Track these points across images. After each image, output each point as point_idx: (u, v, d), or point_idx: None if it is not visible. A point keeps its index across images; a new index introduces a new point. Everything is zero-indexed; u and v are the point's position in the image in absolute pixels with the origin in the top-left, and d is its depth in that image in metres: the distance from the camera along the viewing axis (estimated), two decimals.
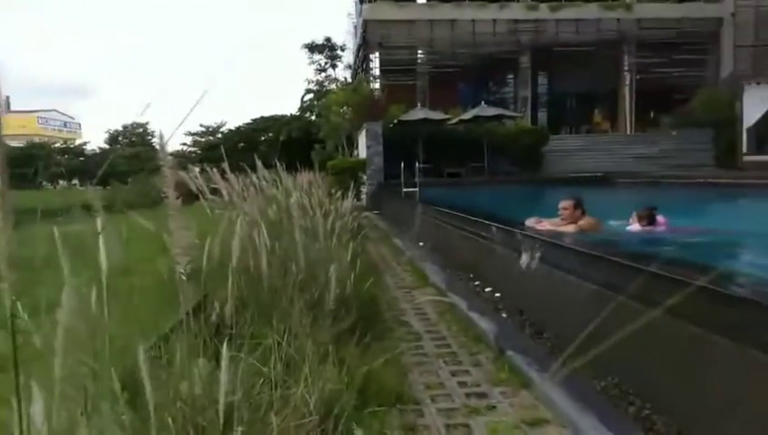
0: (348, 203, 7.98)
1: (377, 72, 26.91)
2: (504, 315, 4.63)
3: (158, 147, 1.61)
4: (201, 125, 52.55)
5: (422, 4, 26.65)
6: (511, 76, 29.21)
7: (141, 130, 53.29)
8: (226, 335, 2.21)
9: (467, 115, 19.91)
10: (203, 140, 52.08)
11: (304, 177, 11.05)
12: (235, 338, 2.36)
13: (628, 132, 26.33)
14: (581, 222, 4.35)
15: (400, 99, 22.31)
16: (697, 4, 26.45)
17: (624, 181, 16.23)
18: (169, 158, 1.54)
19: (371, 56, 27.31)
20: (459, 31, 25.18)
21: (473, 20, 25.04)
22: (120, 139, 54.00)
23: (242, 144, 47.60)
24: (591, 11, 25.46)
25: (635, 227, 4.09)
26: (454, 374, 3.57)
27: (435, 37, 25.62)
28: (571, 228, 4.42)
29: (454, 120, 20.24)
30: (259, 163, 5.36)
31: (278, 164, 6.86)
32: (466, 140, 20.44)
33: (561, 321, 3.95)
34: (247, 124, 49.92)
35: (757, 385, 2.07)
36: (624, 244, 3.79)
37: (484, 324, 4.31)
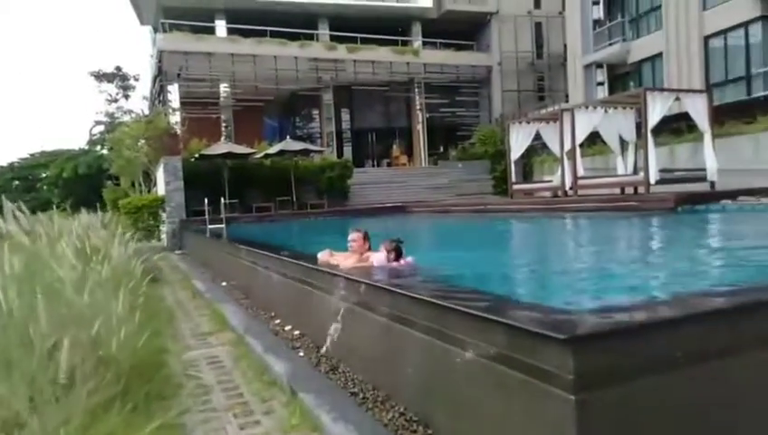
0: (132, 245, 7.20)
1: (176, 103, 25.48)
2: (302, 354, 4.51)
3: None
4: None
5: (222, 38, 26.12)
6: (316, 112, 30.04)
7: None
8: None
9: (273, 149, 19.82)
10: None
11: (84, 218, 9.83)
12: None
13: (423, 165, 28.78)
14: (365, 255, 4.46)
15: (203, 133, 21.36)
16: (471, 53, 30.36)
17: (419, 210, 17.57)
18: None
19: (169, 88, 25.82)
20: (261, 66, 25.17)
21: (275, 56, 25.24)
22: None
23: (17, 182, 41.15)
24: (385, 54, 27.52)
25: (383, 260, 4.27)
26: (243, 428, 3.32)
27: (237, 71, 25.21)
28: (351, 262, 4.49)
29: (260, 155, 19.97)
30: (8, 204, 4.51)
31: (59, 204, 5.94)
32: (273, 175, 20.30)
33: (353, 354, 3.96)
34: (23, 159, 43.29)
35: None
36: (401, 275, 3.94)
37: (279, 366, 4.13)
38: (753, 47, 17.99)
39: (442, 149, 31.10)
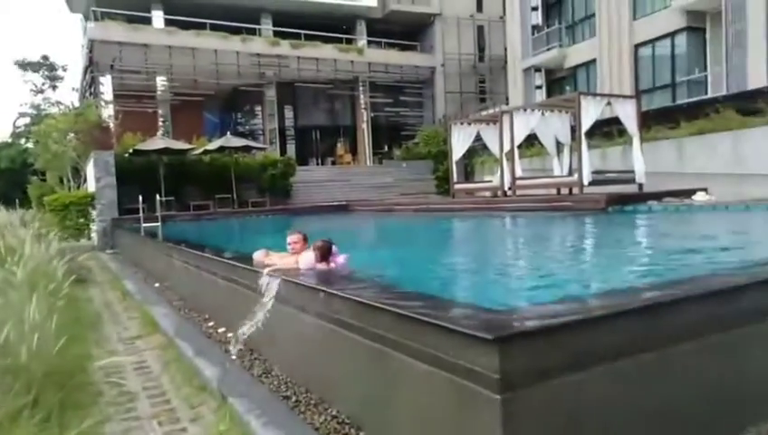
0: (56, 244, 6.80)
1: (109, 96, 24.30)
2: (234, 357, 4.36)
3: None
4: None
5: (159, 29, 25.11)
6: (259, 108, 29.44)
7: None
8: None
9: (212, 145, 19.23)
10: None
11: (2, 215, 9.20)
12: None
13: (368, 164, 28.79)
14: (302, 255, 4.35)
15: (139, 127, 20.46)
16: (415, 54, 30.62)
17: (362, 209, 17.55)
18: None
19: (102, 79, 24.59)
20: (201, 60, 24.40)
21: (215, 50, 24.53)
22: None
23: None
24: (329, 52, 27.31)
25: (312, 260, 4.19)
26: None
27: (175, 64, 24.33)
28: (287, 262, 4.39)
29: (198, 151, 19.33)
30: None
31: None
32: (213, 172, 19.73)
33: (287, 356, 3.87)
34: None
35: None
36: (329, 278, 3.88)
37: (210, 371, 3.99)
38: (678, 57, 19.05)
39: (386, 149, 31.22)
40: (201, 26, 24.90)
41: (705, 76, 18.12)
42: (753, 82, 15.23)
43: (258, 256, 4.93)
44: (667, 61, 19.43)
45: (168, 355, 4.80)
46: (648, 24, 19.68)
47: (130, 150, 17.97)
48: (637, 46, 20.22)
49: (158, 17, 25.68)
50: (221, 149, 19.10)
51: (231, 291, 5.04)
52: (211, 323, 5.54)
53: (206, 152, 19.28)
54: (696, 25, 18.24)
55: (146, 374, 4.38)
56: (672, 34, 18.92)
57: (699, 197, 10.65)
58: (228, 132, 20.95)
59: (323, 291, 3.17)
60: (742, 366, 2.59)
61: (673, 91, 19.10)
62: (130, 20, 24.00)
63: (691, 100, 17.10)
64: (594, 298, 2.46)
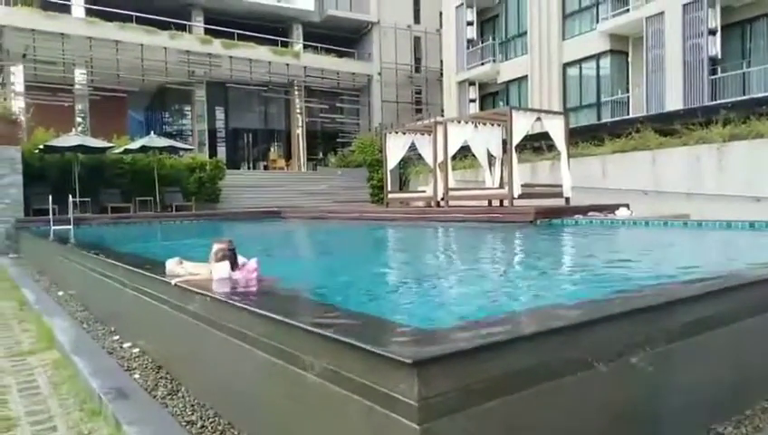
0: None
1: (20, 87, 22.54)
2: (137, 376, 3.94)
3: None
4: None
5: (79, 19, 23.57)
6: (188, 108, 28.29)
7: None
8: None
9: (134, 145, 18.17)
10: None
11: None
12: None
13: (302, 170, 28.29)
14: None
15: (54, 122, 19.04)
16: (352, 61, 30.48)
17: (295, 216, 17.11)
18: None
19: (13, 69, 22.77)
20: (125, 54, 23.09)
21: (141, 45, 23.31)
22: None
23: None
24: (263, 53, 26.65)
25: (226, 272, 3.89)
26: None
27: (96, 57, 22.90)
28: (206, 271, 4.01)
29: (118, 150, 18.21)
30: None
31: None
32: (135, 172, 18.68)
33: (197, 375, 3.52)
34: None
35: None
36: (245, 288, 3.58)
37: (106, 392, 3.55)
38: (602, 77, 19.98)
39: (321, 155, 30.83)
40: (127, 18, 23.63)
41: (628, 97, 19.10)
42: (670, 105, 16.18)
43: (171, 264, 4.50)
44: (593, 80, 20.34)
45: (62, 374, 4.29)
46: (576, 45, 20.54)
47: (41, 146, 16.68)
48: (565, 65, 21.05)
49: (78, 6, 24.16)
50: (144, 148, 18.10)
51: (138, 301, 4.59)
52: (116, 338, 5.05)
53: (126, 152, 18.20)
54: (620, 49, 19.22)
55: (33, 396, 3.88)
56: (597, 56, 19.83)
57: (622, 212, 11.06)
58: (152, 132, 19.93)
59: (232, 304, 2.87)
60: (663, 383, 2.52)
61: (598, 109, 20.00)
62: (46, 7, 22.41)
63: (614, 119, 17.93)
64: (521, 315, 2.32)
